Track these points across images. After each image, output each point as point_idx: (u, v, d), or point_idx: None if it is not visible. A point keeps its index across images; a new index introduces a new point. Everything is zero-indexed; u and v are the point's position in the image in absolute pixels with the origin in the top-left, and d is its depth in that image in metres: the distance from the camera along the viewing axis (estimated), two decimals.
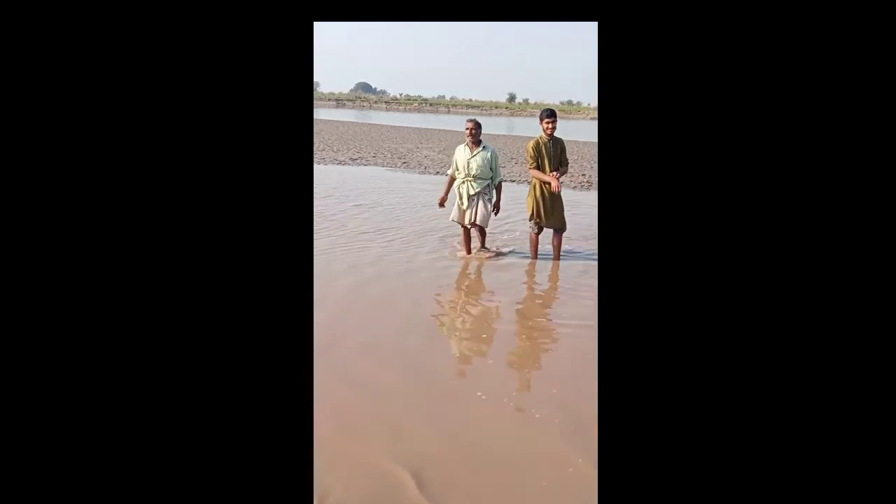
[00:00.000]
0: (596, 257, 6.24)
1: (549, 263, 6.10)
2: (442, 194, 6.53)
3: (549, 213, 6.07)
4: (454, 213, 6.27)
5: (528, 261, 6.21)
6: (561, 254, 6.22)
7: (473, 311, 4.78)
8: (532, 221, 6.17)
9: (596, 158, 17.59)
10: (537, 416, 3.02)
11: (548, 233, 6.34)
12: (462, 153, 6.22)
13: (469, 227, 6.24)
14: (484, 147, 6.18)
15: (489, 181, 6.18)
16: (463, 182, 6.19)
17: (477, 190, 6.12)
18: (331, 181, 10.94)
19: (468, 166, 6.12)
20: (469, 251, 6.33)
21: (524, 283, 5.60)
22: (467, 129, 6.18)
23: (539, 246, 6.28)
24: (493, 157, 6.19)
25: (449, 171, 6.49)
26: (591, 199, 10.24)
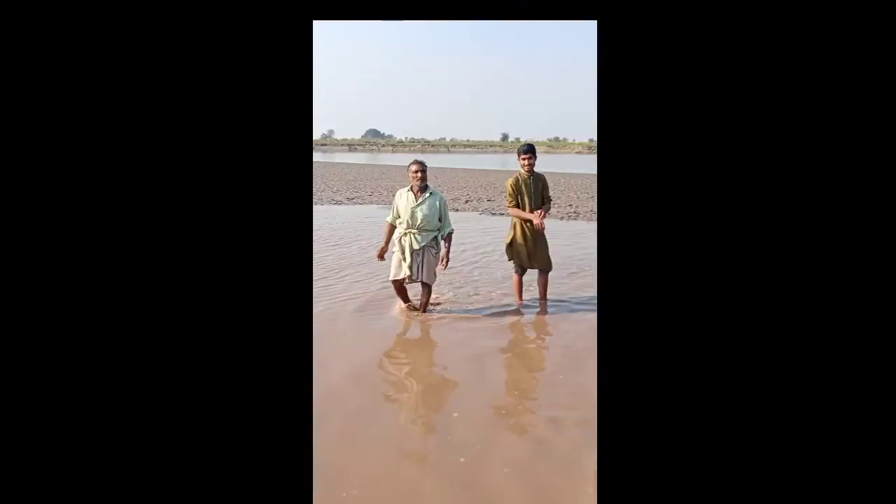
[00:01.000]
0: (587, 302, 5.48)
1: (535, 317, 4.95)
2: (382, 244, 5.24)
3: (532, 253, 5.22)
4: (393, 270, 5.07)
5: (508, 318, 5.04)
6: (548, 295, 5.38)
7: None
8: (514, 264, 5.18)
9: (583, 190, 17.82)
10: None
11: (532, 274, 5.27)
12: (404, 200, 5.02)
13: (407, 282, 5.08)
14: (431, 193, 4.99)
15: (436, 233, 5.02)
16: (405, 234, 5.00)
17: (422, 244, 4.96)
18: (316, 223, 10.14)
19: (412, 216, 4.94)
20: (407, 300, 5.21)
21: (518, 348, 4.44)
22: (412, 172, 4.96)
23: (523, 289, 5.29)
24: (442, 205, 5.02)
25: (388, 218, 5.22)
26: (575, 228, 10.15)
